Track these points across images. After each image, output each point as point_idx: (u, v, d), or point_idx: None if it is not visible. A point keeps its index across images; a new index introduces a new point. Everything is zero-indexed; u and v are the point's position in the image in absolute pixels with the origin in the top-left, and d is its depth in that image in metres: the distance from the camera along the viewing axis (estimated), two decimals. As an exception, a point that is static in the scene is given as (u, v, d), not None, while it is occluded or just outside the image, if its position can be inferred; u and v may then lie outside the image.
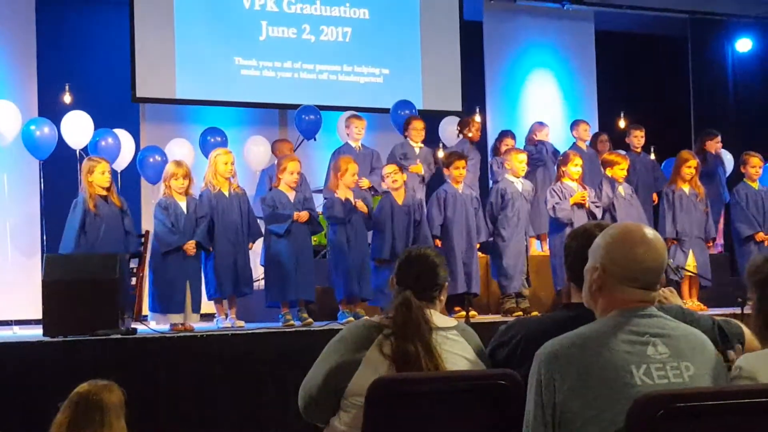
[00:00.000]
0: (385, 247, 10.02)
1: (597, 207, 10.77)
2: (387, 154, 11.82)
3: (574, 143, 13.26)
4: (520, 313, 10.30)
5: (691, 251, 10.98)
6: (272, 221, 9.65)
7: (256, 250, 10.45)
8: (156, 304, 9.34)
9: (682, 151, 11.58)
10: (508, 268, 10.65)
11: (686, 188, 11.09)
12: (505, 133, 12.90)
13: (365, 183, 11.09)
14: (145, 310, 10.07)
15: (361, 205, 9.93)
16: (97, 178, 9.28)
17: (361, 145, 11.86)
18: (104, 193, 9.34)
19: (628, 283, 3.26)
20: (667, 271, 8.07)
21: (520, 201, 10.76)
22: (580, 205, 10.67)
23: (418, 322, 3.97)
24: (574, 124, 13.52)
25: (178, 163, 9.67)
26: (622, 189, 11.10)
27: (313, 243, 10.31)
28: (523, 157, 11.10)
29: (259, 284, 10.77)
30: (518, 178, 10.91)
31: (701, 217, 11.10)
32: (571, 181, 10.84)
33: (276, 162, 10.54)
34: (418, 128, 11.96)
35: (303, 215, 9.61)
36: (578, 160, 10.96)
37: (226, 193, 9.70)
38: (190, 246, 9.28)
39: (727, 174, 13.29)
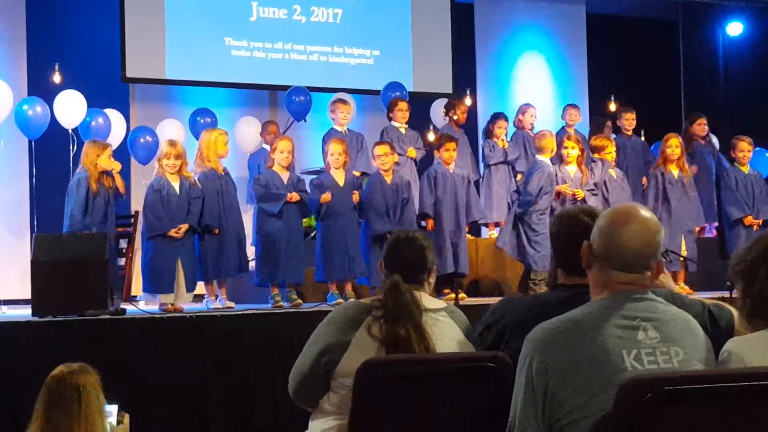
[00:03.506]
0: (381, 222, 10.01)
1: (594, 194, 10.69)
2: (376, 136, 11.78)
3: (563, 127, 13.24)
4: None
5: (681, 235, 10.96)
6: (265, 200, 9.64)
7: (246, 230, 10.45)
8: (147, 284, 9.30)
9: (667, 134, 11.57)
10: (541, 250, 10.57)
11: (675, 171, 11.07)
12: (497, 116, 12.86)
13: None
14: (135, 290, 10.04)
15: (356, 197, 9.95)
16: (104, 161, 9.26)
17: (347, 129, 11.83)
18: (102, 177, 9.31)
19: (607, 263, 3.27)
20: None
21: (553, 188, 10.68)
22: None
23: (408, 305, 3.99)
24: (565, 109, 13.50)
25: (172, 143, 9.58)
26: (614, 172, 11.08)
27: (303, 225, 10.30)
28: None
29: (249, 265, 10.78)
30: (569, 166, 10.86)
31: (689, 201, 11.08)
32: (567, 165, 10.76)
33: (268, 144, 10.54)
34: (403, 109, 11.96)
35: (294, 195, 9.61)
36: (570, 143, 10.86)
37: (223, 173, 9.71)
38: (174, 232, 9.22)
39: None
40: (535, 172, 10.73)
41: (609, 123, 13.51)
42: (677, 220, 10.90)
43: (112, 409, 4.23)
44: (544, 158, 10.79)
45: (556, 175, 10.62)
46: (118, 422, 4.29)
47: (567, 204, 10.38)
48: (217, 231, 9.53)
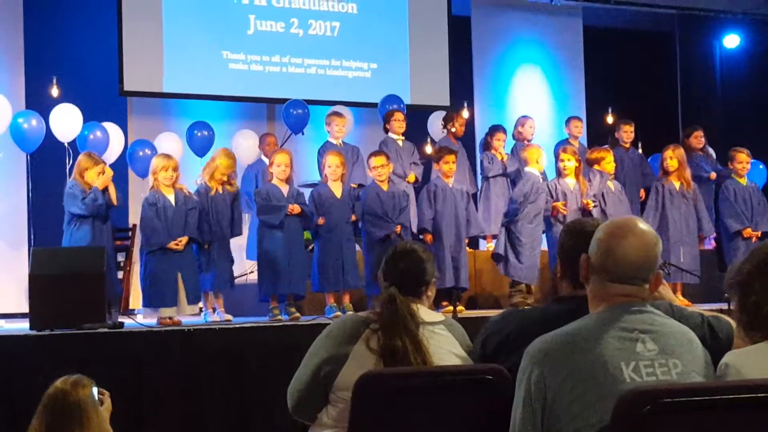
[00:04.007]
0: (380, 226, 10.05)
1: (594, 206, 10.69)
2: (373, 148, 11.78)
3: (566, 139, 13.23)
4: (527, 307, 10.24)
5: (681, 247, 10.94)
6: (265, 212, 9.65)
7: (241, 244, 10.45)
8: (147, 299, 9.30)
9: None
10: (524, 261, 10.56)
11: (676, 183, 11.06)
12: (496, 128, 12.87)
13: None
14: (133, 303, 10.03)
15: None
16: (90, 176, 9.25)
17: (342, 142, 11.84)
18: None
19: (605, 276, 3.27)
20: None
21: (541, 197, 10.68)
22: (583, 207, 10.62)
23: (405, 318, 3.98)
24: (567, 121, 13.51)
25: (167, 156, 9.66)
26: (612, 184, 11.06)
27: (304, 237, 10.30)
28: (542, 152, 11.09)
29: (247, 278, 10.77)
30: (540, 173, 10.87)
31: (690, 212, 11.06)
32: (565, 178, 10.75)
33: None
34: (399, 119, 12.01)
35: (296, 208, 9.61)
36: (566, 156, 10.86)
37: (221, 192, 9.72)
38: (173, 245, 9.22)
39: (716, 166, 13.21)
40: (520, 181, 10.82)
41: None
42: (677, 232, 10.88)
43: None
44: (532, 169, 10.83)
45: (556, 189, 10.62)
46: (100, 402, 4.24)
47: (568, 218, 10.35)
48: (207, 246, 9.54)
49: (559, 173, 10.85)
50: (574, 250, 3.64)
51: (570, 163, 10.73)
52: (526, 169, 10.90)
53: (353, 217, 10.02)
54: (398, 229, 10.01)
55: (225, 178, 9.82)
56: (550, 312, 3.76)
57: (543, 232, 10.77)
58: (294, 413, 4.17)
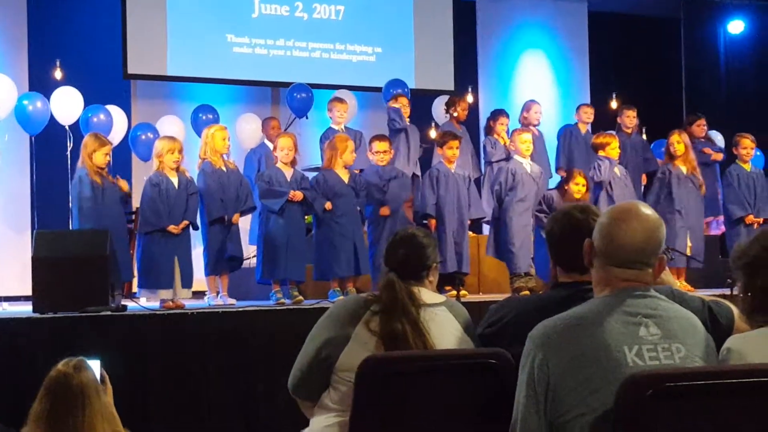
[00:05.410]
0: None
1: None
2: (376, 133, 11.82)
3: (576, 124, 13.22)
4: (528, 292, 10.22)
5: (687, 232, 10.92)
6: (267, 197, 9.63)
7: (245, 228, 10.45)
8: (143, 279, 9.32)
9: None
10: (515, 249, 10.55)
11: (683, 167, 11.03)
12: (499, 112, 12.82)
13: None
14: (135, 286, 10.04)
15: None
16: (98, 158, 9.22)
17: (345, 127, 11.83)
18: (101, 171, 9.29)
19: (608, 261, 3.28)
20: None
21: (529, 182, 10.66)
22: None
23: (404, 302, 3.99)
24: (578, 108, 13.48)
25: (172, 139, 9.65)
26: (618, 170, 11.06)
27: (306, 221, 10.30)
28: (527, 137, 10.98)
29: (250, 262, 10.77)
30: (525, 159, 10.84)
31: (697, 197, 11.05)
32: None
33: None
34: (403, 104, 11.99)
35: (297, 194, 9.59)
36: (580, 180, 10.82)
37: (224, 169, 9.71)
38: (173, 228, 9.23)
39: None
40: (497, 170, 10.93)
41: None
42: (683, 217, 10.86)
43: (95, 365, 4.16)
44: (516, 157, 10.83)
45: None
46: (101, 380, 4.22)
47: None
48: (235, 218, 9.55)
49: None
50: (560, 235, 3.70)
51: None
52: (515, 156, 10.93)
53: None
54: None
55: (225, 144, 9.77)
56: (547, 298, 3.79)
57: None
58: (293, 393, 4.18)
